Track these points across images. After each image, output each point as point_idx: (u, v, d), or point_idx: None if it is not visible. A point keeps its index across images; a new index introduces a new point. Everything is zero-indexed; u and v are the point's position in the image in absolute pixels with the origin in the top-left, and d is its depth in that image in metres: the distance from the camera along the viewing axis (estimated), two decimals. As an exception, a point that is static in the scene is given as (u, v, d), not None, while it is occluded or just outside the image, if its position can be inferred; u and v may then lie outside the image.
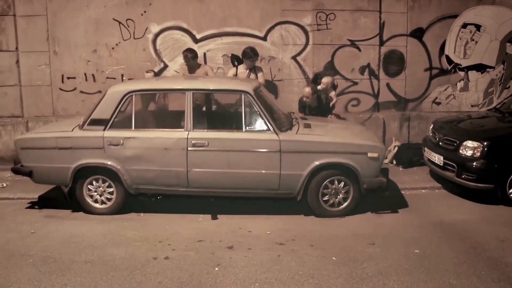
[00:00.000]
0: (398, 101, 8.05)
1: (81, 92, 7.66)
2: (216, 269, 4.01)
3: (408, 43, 7.88)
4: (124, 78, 7.60)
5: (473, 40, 7.98)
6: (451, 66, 8.04)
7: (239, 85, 5.51)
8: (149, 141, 5.18)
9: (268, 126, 5.12)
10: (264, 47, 7.57)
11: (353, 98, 7.94)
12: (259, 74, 6.83)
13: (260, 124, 5.16)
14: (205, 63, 7.54)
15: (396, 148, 7.48)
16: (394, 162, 7.41)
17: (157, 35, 7.57)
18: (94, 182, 5.34)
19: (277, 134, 5.10)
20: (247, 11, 7.58)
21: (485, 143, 5.56)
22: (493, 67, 8.09)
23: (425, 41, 7.91)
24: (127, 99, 5.23)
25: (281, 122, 5.33)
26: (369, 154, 5.15)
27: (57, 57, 7.57)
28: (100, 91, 7.40)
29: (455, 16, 7.88)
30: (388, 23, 7.79)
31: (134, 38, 7.56)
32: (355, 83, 7.89)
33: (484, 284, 3.72)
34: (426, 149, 6.55)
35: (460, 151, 5.77)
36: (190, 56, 6.75)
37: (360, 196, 5.28)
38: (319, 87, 6.81)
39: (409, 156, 7.32)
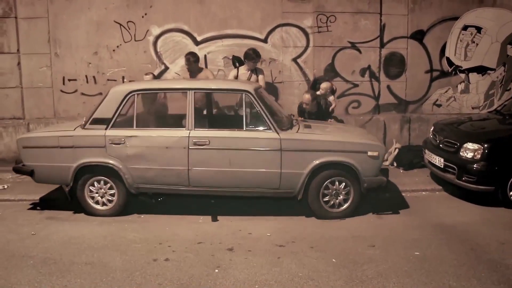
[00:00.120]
0: (398, 103, 8.05)
1: (82, 94, 7.69)
2: (216, 271, 4.01)
3: (409, 45, 7.89)
4: (125, 80, 7.62)
5: (474, 42, 7.98)
6: (452, 68, 8.05)
7: (240, 85, 5.61)
8: (151, 140, 5.20)
9: (269, 125, 5.14)
10: (265, 49, 7.59)
11: (353, 100, 7.95)
12: (260, 76, 6.83)
13: (261, 123, 5.19)
14: (206, 65, 7.56)
15: (397, 150, 7.49)
16: (395, 164, 7.41)
17: (158, 37, 7.60)
18: (95, 184, 5.35)
19: (277, 133, 5.12)
20: (247, 13, 7.60)
21: (485, 145, 5.56)
22: (494, 69, 8.09)
23: (425, 43, 7.92)
24: (129, 98, 5.26)
25: (281, 122, 5.36)
26: (369, 153, 5.16)
27: (58, 59, 7.60)
28: (101, 93, 7.42)
29: (455, 18, 7.90)
30: (388, 25, 7.80)
31: (135, 40, 7.59)
32: (356, 85, 7.90)
33: (484, 286, 3.71)
34: (426, 151, 6.54)
35: (461, 153, 5.77)
36: (192, 60, 6.79)
37: (360, 197, 5.28)
38: (318, 92, 6.80)
39: (410, 158, 7.32)
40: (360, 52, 7.82)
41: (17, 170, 5.57)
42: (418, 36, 7.89)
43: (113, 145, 5.19)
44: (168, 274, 3.94)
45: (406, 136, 8.01)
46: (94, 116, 5.29)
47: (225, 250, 4.43)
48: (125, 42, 7.58)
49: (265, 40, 7.66)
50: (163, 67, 7.67)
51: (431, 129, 6.78)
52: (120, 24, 7.54)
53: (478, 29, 7.94)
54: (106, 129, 5.22)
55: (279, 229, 4.98)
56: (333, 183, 5.22)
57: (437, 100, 8.12)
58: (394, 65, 7.93)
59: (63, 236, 4.79)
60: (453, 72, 8.06)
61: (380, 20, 7.78)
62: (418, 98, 8.08)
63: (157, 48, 7.62)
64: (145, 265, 4.10)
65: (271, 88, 7.57)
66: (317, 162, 5.11)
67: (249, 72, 6.81)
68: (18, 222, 5.26)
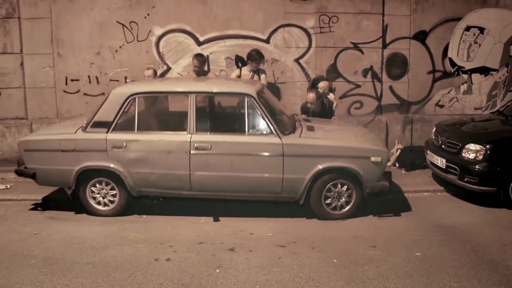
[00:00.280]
0: (401, 103, 8.04)
1: (85, 94, 7.70)
2: (217, 271, 4.02)
3: (411, 45, 7.88)
4: (127, 80, 7.63)
5: (477, 42, 7.96)
6: (454, 69, 8.03)
7: (243, 88, 5.43)
8: (152, 144, 5.18)
9: (271, 130, 5.11)
10: (267, 50, 7.58)
11: (356, 100, 7.94)
12: (262, 76, 6.85)
13: (263, 127, 5.15)
14: (208, 65, 7.57)
15: (399, 151, 7.48)
16: (397, 165, 7.40)
17: (160, 37, 7.60)
18: (97, 184, 5.35)
19: (280, 138, 5.08)
20: (250, 14, 7.60)
21: (487, 146, 5.55)
22: (496, 70, 8.07)
23: (428, 43, 7.90)
24: (130, 101, 5.23)
25: (284, 125, 5.32)
26: (372, 159, 5.13)
27: (61, 59, 7.62)
28: (103, 93, 7.43)
29: (458, 19, 7.87)
30: (391, 26, 7.79)
31: (138, 41, 7.60)
32: (358, 86, 7.89)
33: (484, 287, 3.71)
34: (428, 152, 6.54)
35: (463, 154, 5.76)
36: (201, 60, 6.82)
37: (362, 200, 5.27)
38: None
39: (412, 159, 7.30)
40: (362, 52, 7.80)
41: (19, 173, 5.58)
42: (421, 36, 7.87)
43: (115, 149, 5.17)
44: (169, 274, 3.95)
45: (408, 137, 8.00)
46: (95, 119, 5.26)
47: (226, 250, 4.43)
48: (128, 43, 7.59)
49: (267, 41, 7.66)
50: (165, 67, 7.68)
51: (433, 130, 6.77)
52: (123, 25, 7.55)
53: (481, 30, 7.92)
54: (107, 132, 5.19)
55: (280, 229, 4.98)
56: (335, 185, 5.20)
57: (439, 100, 8.10)
58: (397, 65, 7.91)
59: (65, 236, 4.81)
60: (456, 73, 8.04)
61: (383, 20, 7.77)
62: (421, 98, 8.06)
63: (159, 48, 7.63)
64: (147, 265, 4.11)
65: (273, 88, 7.56)
66: (320, 167, 5.07)
67: (252, 73, 6.82)
68: (20, 221, 5.28)
